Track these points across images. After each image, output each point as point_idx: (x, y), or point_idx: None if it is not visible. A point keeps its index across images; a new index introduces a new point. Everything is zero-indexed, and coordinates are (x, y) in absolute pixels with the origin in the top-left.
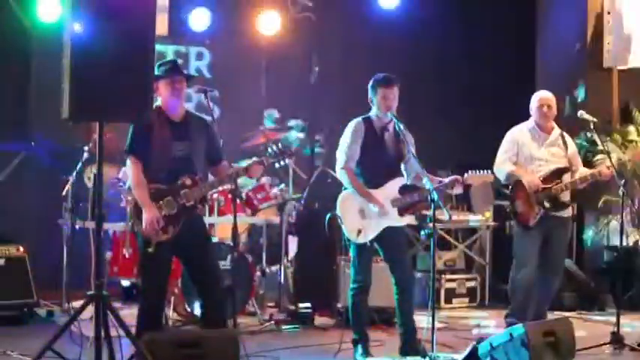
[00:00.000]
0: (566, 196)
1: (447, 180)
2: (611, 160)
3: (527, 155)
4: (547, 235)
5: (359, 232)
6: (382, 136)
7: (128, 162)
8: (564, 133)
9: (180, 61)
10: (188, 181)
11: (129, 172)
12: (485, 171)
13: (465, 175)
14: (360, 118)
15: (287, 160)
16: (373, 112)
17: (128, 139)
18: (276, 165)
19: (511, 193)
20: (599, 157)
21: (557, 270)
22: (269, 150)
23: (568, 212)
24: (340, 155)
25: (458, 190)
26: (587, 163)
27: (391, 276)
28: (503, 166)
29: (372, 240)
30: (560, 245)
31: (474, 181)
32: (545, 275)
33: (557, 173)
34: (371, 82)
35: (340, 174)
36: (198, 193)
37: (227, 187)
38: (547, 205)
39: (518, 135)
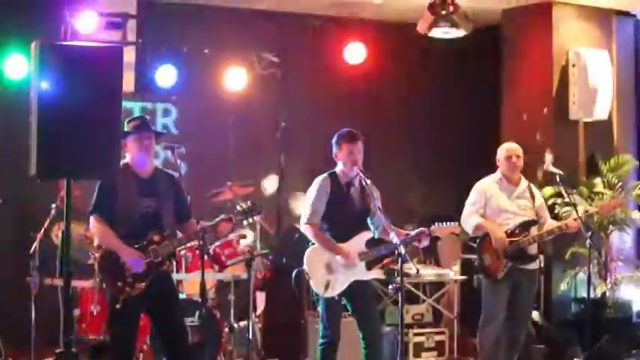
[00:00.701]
0: (533, 249)
1: (413, 233)
2: (577, 213)
3: (495, 207)
4: (515, 287)
5: (326, 286)
6: (348, 191)
7: (92, 220)
8: (532, 185)
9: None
10: (156, 237)
11: (94, 229)
12: (451, 223)
13: (432, 227)
14: (325, 174)
15: (255, 217)
16: (338, 168)
17: (94, 197)
18: (244, 222)
19: (478, 246)
20: (565, 209)
21: (523, 322)
22: (237, 207)
23: (535, 265)
24: (305, 211)
25: (425, 242)
26: (554, 215)
27: (359, 330)
28: (470, 218)
29: (339, 294)
30: (527, 297)
31: (440, 233)
32: (512, 327)
33: (525, 226)
34: (335, 138)
35: (304, 229)
36: (167, 250)
37: (195, 243)
38: (514, 258)
39: (486, 187)
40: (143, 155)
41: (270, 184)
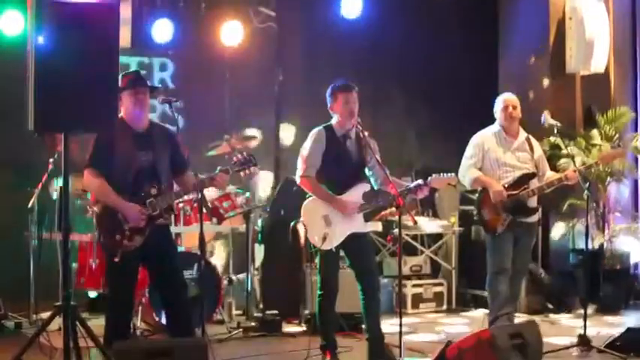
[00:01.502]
0: (533, 202)
1: (411, 185)
2: (575, 164)
3: (494, 160)
4: (515, 239)
5: (324, 238)
6: (344, 143)
7: (86, 174)
8: (530, 137)
9: (143, 72)
10: (153, 191)
11: (90, 184)
12: (448, 174)
13: (429, 178)
14: (321, 127)
15: (252, 169)
16: (334, 120)
17: (90, 151)
18: (242, 174)
19: (477, 200)
20: (563, 160)
21: (521, 275)
22: (234, 159)
23: (535, 217)
24: (301, 164)
25: (423, 193)
26: (552, 166)
27: (357, 282)
28: (468, 172)
29: (337, 246)
30: (524, 250)
31: (438, 184)
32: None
33: (524, 179)
34: (329, 90)
35: (301, 182)
36: (164, 203)
37: (193, 196)
38: (514, 211)
39: (484, 140)
40: (138, 110)
41: (286, 134)
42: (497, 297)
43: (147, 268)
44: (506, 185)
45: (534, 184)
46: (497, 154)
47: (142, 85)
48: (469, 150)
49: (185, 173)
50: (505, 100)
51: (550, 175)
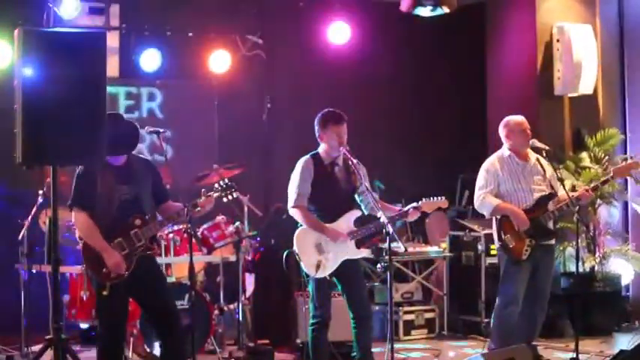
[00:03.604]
0: (551, 224)
1: (405, 209)
2: (564, 188)
3: (510, 187)
4: (535, 265)
5: (317, 266)
6: (332, 170)
7: (74, 214)
8: (540, 158)
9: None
10: (137, 222)
11: (78, 224)
12: (439, 197)
13: (420, 202)
14: (308, 156)
15: (234, 194)
16: (321, 148)
17: (72, 189)
18: (224, 199)
19: (498, 228)
20: None
21: (543, 299)
22: (215, 185)
23: (554, 240)
24: (291, 193)
25: (414, 217)
26: None
27: (349, 309)
28: (486, 200)
29: (330, 274)
30: (547, 274)
31: (428, 207)
32: (530, 306)
33: (543, 201)
34: (319, 120)
35: (292, 212)
36: (148, 233)
37: (182, 226)
38: (536, 235)
39: (496, 166)
40: (121, 157)
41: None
42: (503, 328)
43: (136, 300)
44: (525, 209)
45: (551, 205)
46: (512, 179)
47: (133, 149)
48: (482, 179)
49: (166, 202)
50: (521, 123)
51: (562, 196)
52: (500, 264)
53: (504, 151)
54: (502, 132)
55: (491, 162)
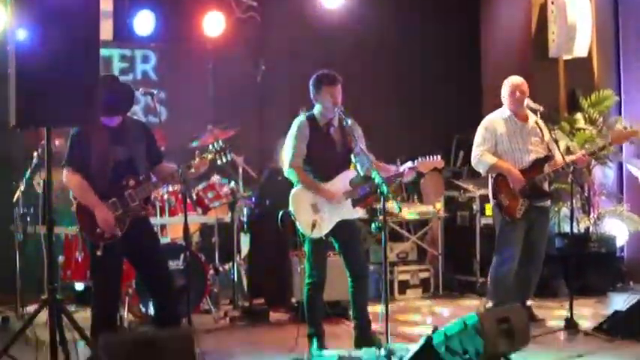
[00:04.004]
0: (546, 186)
1: (400, 169)
2: (559, 149)
3: (507, 146)
4: (530, 225)
5: (313, 226)
6: (327, 131)
7: (65, 173)
8: (539, 120)
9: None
10: (131, 182)
11: (69, 183)
12: (435, 156)
13: (416, 162)
14: (303, 116)
15: (229, 156)
16: (316, 110)
17: (66, 150)
18: (218, 161)
19: (493, 187)
20: None
21: (537, 260)
22: (210, 146)
23: (548, 201)
24: (286, 154)
25: (409, 177)
26: None
27: (345, 269)
28: (483, 158)
29: (326, 234)
30: (541, 235)
31: (424, 167)
32: (525, 266)
33: (539, 163)
34: (313, 81)
35: (288, 173)
36: (142, 194)
37: (177, 187)
38: (531, 196)
39: (495, 125)
40: (116, 118)
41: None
42: (500, 286)
43: (130, 261)
44: (522, 170)
45: (547, 168)
46: (510, 139)
47: (128, 110)
48: (480, 136)
49: (161, 163)
50: (512, 85)
51: (559, 159)
52: (495, 224)
53: (504, 110)
54: (503, 91)
55: (490, 120)
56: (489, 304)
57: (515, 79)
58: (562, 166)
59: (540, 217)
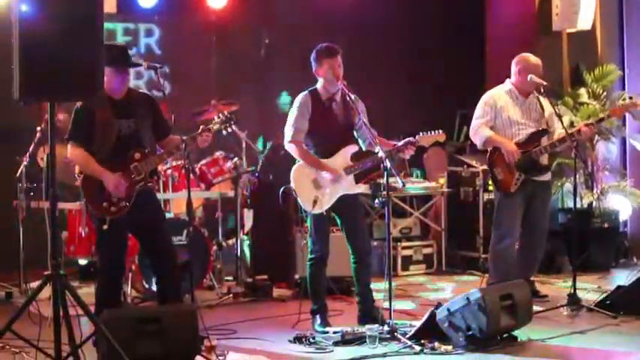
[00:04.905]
0: (544, 160)
1: (400, 143)
2: (562, 123)
3: (506, 119)
4: (529, 200)
5: (314, 202)
6: (330, 106)
7: (69, 147)
8: (539, 95)
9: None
10: (137, 155)
11: (73, 156)
12: (437, 131)
13: (417, 136)
14: (306, 91)
15: (234, 127)
16: (319, 84)
17: (70, 124)
18: (224, 132)
19: (489, 160)
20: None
21: (540, 235)
22: (215, 118)
23: (548, 176)
24: (288, 129)
25: (410, 152)
26: None
27: (348, 245)
28: (479, 131)
29: (328, 209)
30: (542, 210)
31: (426, 141)
32: (528, 242)
33: (536, 136)
34: (313, 55)
35: (289, 148)
36: (148, 166)
37: (180, 162)
38: (527, 169)
39: (496, 98)
40: (119, 84)
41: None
42: (500, 261)
43: (135, 235)
44: (518, 143)
45: (545, 141)
46: (510, 112)
47: (127, 64)
48: (480, 109)
49: (168, 137)
50: (526, 68)
51: (561, 131)
52: (495, 200)
53: (507, 85)
54: (515, 66)
55: (491, 94)
56: (491, 281)
57: (531, 62)
58: (560, 138)
59: (540, 193)
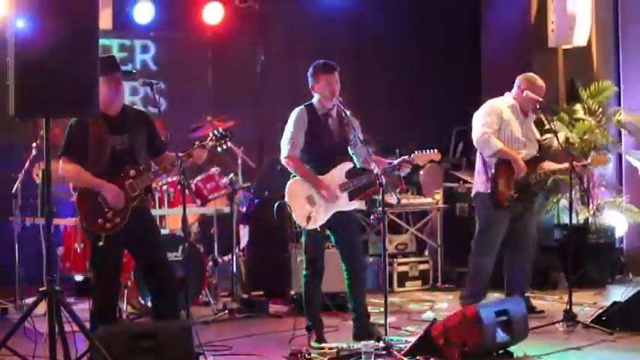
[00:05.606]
0: (535, 186)
1: (395, 162)
2: (558, 140)
3: (509, 134)
4: (516, 216)
5: (308, 218)
6: (326, 122)
7: (61, 162)
8: (536, 116)
9: (122, 55)
10: (132, 172)
11: (65, 172)
12: (432, 150)
13: (412, 155)
14: (302, 106)
15: (229, 144)
16: (315, 99)
17: (64, 139)
18: (218, 149)
19: (495, 170)
20: (547, 136)
21: (533, 244)
22: (210, 135)
23: (533, 203)
24: (284, 144)
25: (406, 170)
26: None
27: (342, 261)
28: (491, 140)
29: (322, 226)
30: (530, 219)
31: (421, 160)
32: (518, 255)
33: (535, 161)
34: (311, 70)
35: (284, 163)
36: (143, 183)
37: (176, 178)
38: (520, 191)
39: (502, 110)
40: (113, 95)
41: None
42: (482, 274)
43: (130, 252)
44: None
45: (541, 168)
46: (513, 127)
47: (116, 71)
48: (486, 117)
49: (163, 154)
50: (531, 89)
51: (547, 163)
52: (479, 214)
53: (509, 99)
54: (521, 83)
55: (495, 104)
56: (465, 294)
57: (539, 83)
58: (546, 172)
59: (525, 212)
